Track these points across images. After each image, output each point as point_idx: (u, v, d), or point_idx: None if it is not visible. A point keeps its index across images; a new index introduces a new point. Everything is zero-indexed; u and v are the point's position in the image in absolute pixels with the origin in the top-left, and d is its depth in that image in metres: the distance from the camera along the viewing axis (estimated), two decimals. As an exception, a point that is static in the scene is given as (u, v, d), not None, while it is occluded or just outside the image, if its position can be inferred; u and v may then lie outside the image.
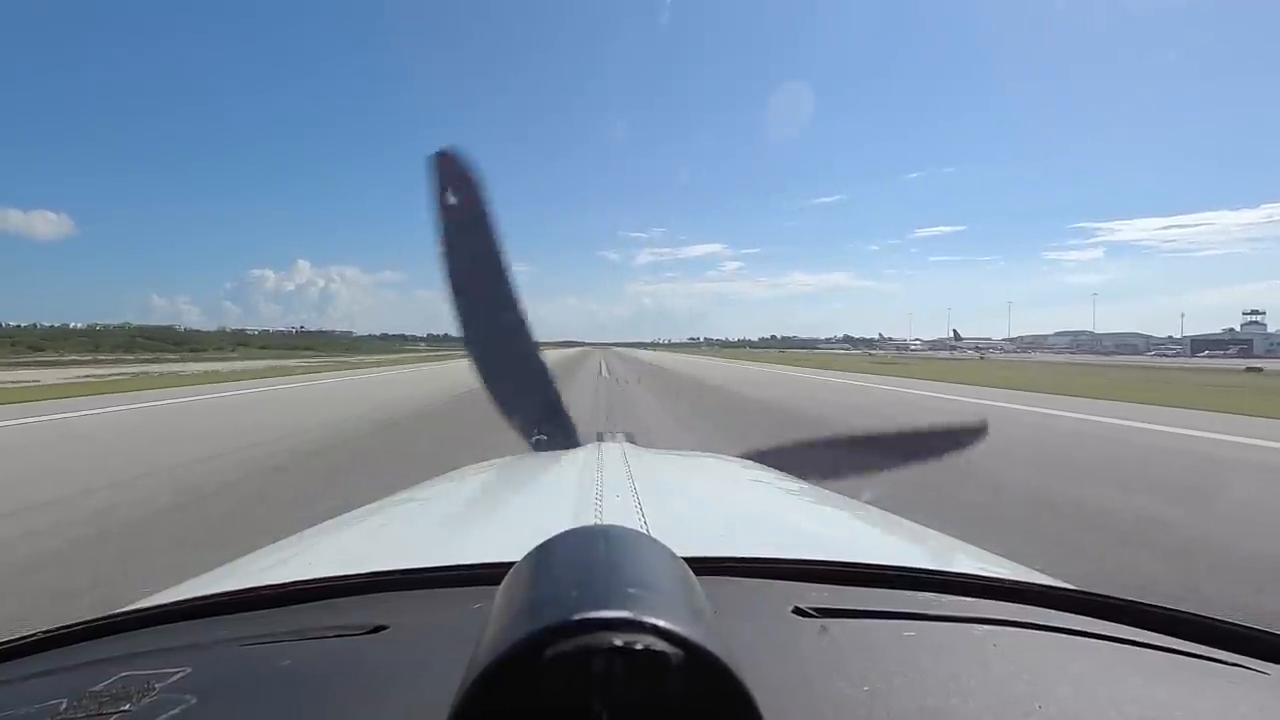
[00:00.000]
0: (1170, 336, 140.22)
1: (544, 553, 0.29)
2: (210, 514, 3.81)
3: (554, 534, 0.31)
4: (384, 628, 0.46)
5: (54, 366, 26.15)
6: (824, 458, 1.58)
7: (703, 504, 0.99)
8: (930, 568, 0.60)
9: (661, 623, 0.22)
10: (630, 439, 1.45)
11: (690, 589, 0.27)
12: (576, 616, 0.22)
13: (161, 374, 19.65)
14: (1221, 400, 10.81)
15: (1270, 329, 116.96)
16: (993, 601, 0.53)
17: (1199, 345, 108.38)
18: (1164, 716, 0.36)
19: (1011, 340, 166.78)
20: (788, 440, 1.62)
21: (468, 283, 1.35)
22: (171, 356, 40.60)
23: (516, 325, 1.38)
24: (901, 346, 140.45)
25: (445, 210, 1.30)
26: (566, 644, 0.21)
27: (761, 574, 0.56)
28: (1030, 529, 3.52)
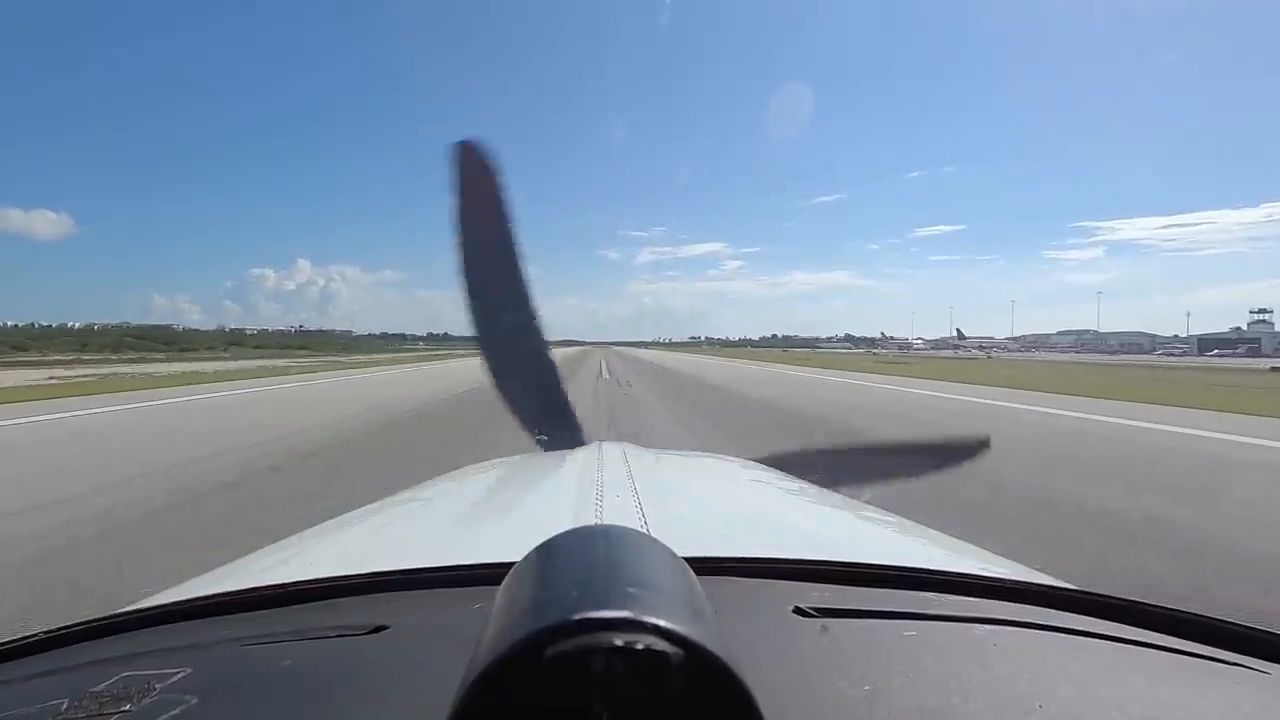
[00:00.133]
0: (1176, 335, 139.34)
1: (544, 553, 0.29)
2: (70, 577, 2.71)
3: (554, 534, 0.31)
4: (384, 628, 0.46)
5: (29, 367, 25.58)
6: (823, 466, 1.58)
7: (703, 504, 0.99)
8: (931, 567, 0.60)
9: (662, 622, 0.22)
10: None
11: (691, 589, 0.27)
12: (577, 616, 0.22)
13: (135, 375, 18.33)
14: (1258, 403, 9.94)
15: (1278, 327, 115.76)
16: (994, 601, 0.53)
17: (1206, 344, 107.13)
18: (1166, 716, 0.35)
19: (1015, 339, 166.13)
20: (792, 447, 1.61)
21: (482, 277, 1.35)
22: (158, 357, 39.49)
23: (528, 323, 1.38)
24: (904, 345, 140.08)
25: (464, 200, 1.29)
26: (567, 644, 0.21)
27: (762, 574, 0.56)
28: (1077, 546, 3.21)
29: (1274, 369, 26.83)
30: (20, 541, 3.14)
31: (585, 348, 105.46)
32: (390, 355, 50.70)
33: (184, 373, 19.97)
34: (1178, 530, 3.42)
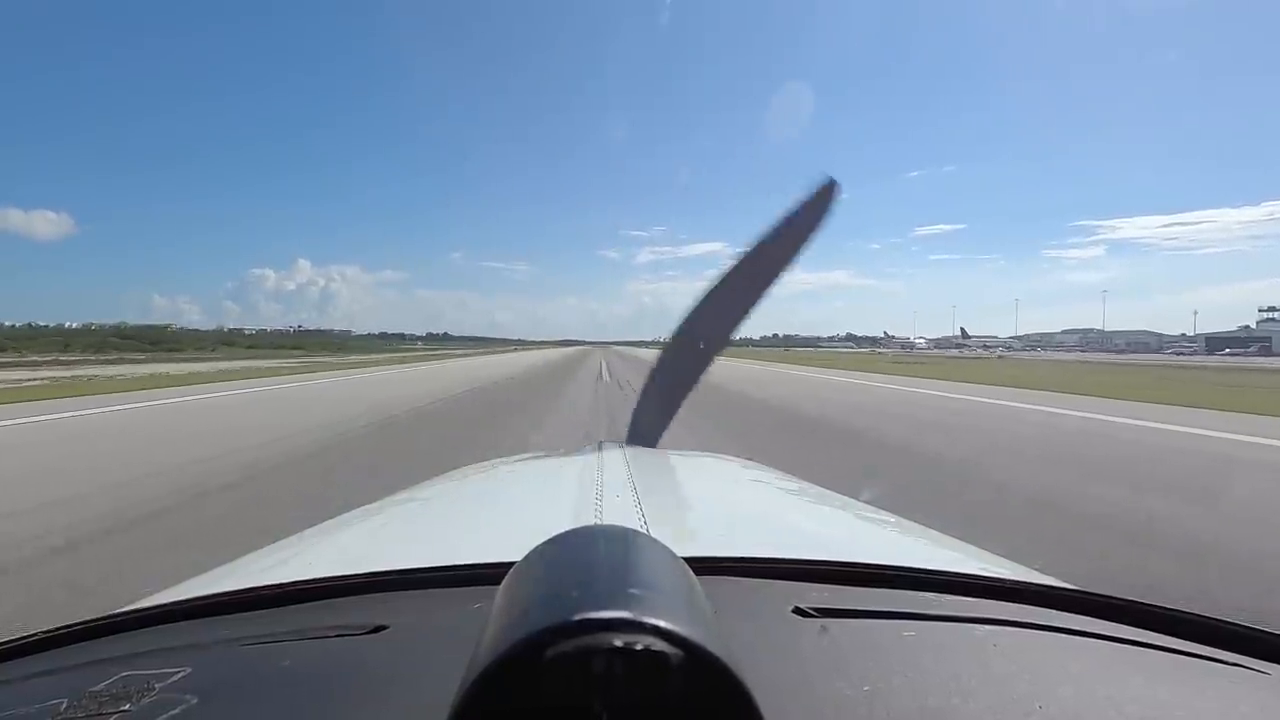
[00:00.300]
0: (1183, 334, 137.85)
1: (544, 553, 0.29)
2: None
3: (554, 534, 0.31)
4: (384, 628, 0.46)
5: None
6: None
7: (703, 504, 0.99)
8: (930, 568, 0.60)
9: (662, 623, 0.22)
10: None
11: (690, 589, 0.27)
12: (577, 617, 0.22)
13: (98, 379, 16.46)
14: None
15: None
16: (993, 601, 0.53)
17: (1215, 343, 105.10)
18: (1165, 716, 0.35)
19: (1019, 338, 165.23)
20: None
21: (735, 291, 1.37)
22: (139, 358, 37.70)
23: (714, 346, 1.44)
24: (906, 345, 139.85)
25: (792, 225, 1.30)
26: (567, 644, 0.21)
27: (761, 574, 0.56)
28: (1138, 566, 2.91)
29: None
30: None
31: (585, 347, 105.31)
32: (386, 355, 50.11)
33: (153, 375, 18.24)
34: (1224, 546, 3.11)
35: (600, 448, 1.26)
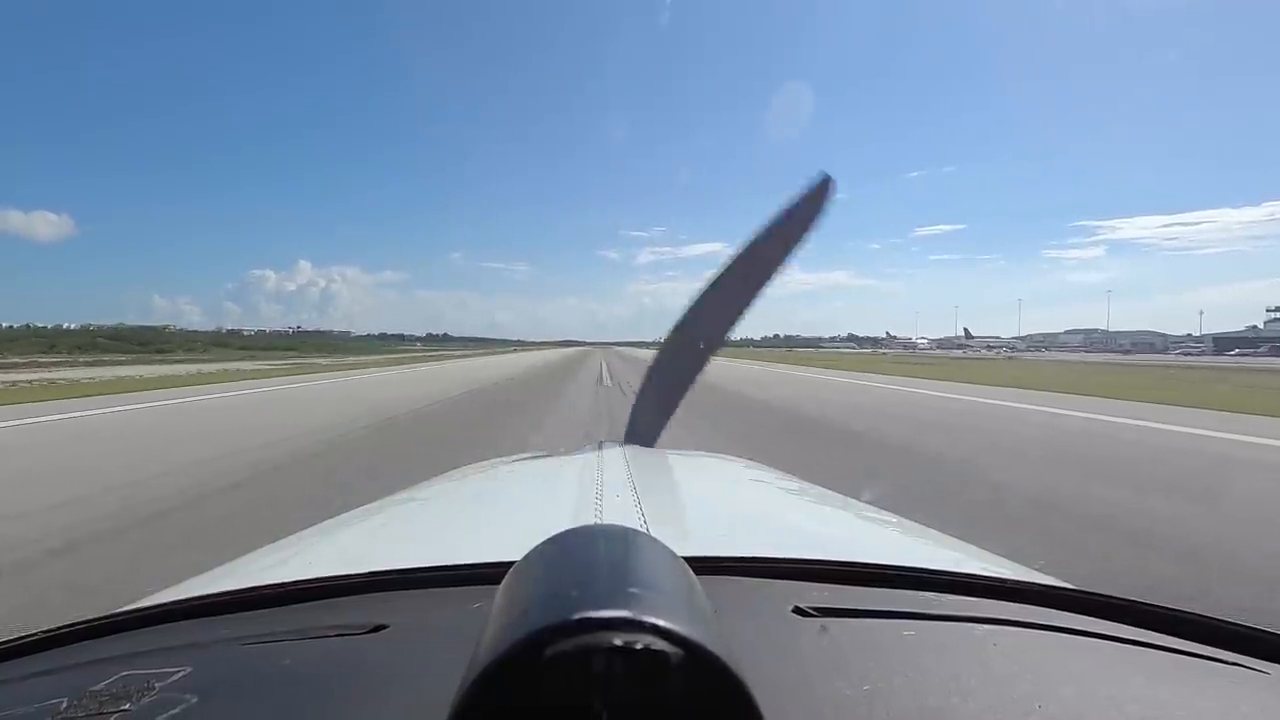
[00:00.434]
0: (1189, 335, 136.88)
1: (544, 552, 0.29)
2: None
3: (554, 534, 0.31)
4: (384, 627, 0.46)
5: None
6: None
7: (703, 504, 0.99)
8: (930, 567, 0.60)
9: (662, 622, 0.22)
10: None
11: (690, 589, 0.27)
12: (576, 616, 0.22)
13: (51, 383, 14.98)
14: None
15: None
16: (993, 601, 0.53)
17: (1224, 343, 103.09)
18: (1166, 716, 0.35)
19: (1022, 338, 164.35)
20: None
21: (730, 289, 1.36)
22: (123, 359, 36.76)
23: (711, 345, 1.43)
24: (908, 345, 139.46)
25: (788, 222, 1.30)
26: (566, 643, 0.21)
27: (761, 573, 0.56)
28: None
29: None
30: None
31: (585, 348, 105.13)
32: (382, 356, 49.53)
33: (121, 379, 16.74)
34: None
35: (600, 447, 1.26)
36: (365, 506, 1.00)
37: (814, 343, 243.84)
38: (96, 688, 0.37)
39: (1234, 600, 2.58)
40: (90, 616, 0.52)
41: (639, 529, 0.52)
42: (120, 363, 31.33)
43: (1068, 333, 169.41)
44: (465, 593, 0.53)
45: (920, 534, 0.85)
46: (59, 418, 8.30)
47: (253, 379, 17.18)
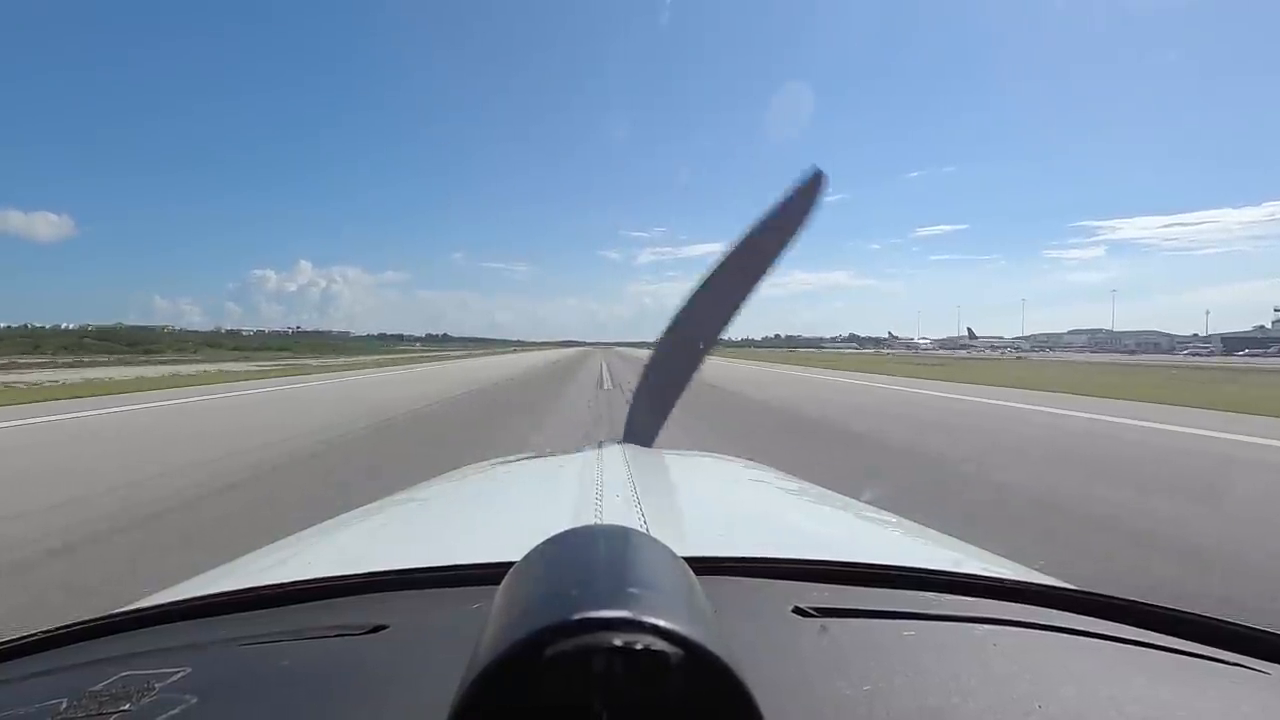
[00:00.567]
0: (1195, 335, 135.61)
1: (544, 552, 0.29)
2: None
3: (554, 534, 0.31)
4: (384, 628, 0.46)
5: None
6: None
7: (703, 504, 0.99)
8: (930, 567, 0.60)
9: (662, 622, 0.22)
10: None
11: (690, 589, 0.27)
12: (576, 616, 0.22)
13: (7, 387, 13.64)
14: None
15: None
16: (993, 601, 0.53)
17: (1233, 344, 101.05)
18: (1166, 716, 0.35)
19: (1025, 338, 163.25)
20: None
21: (724, 286, 1.36)
22: (105, 360, 34.78)
23: (706, 342, 1.42)
24: (910, 345, 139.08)
25: (780, 216, 1.29)
26: (566, 644, 0.21)
27: (761, 574, 0.56)
28: None
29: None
30: None
31: (585, 348, 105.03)
32: (378, 357, 48.18)
33: (89, 381, 15.54)
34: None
35: (600, 447, 1.26)
36: (365, 507, 1.00)
37: (815, 343, 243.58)
38: (96, 688, 0.37)
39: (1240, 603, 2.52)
40: (89, 617, 0.52)
41: (639, 529, 0.51)
42: (102, 364, 30.21)
43: (1071, 333, 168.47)
44: (465, 593, 0.53)
45: (920, 534, 0.85)
46: (37, 421, 7.70)
47: (229, 381, 16.03)
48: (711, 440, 6.50)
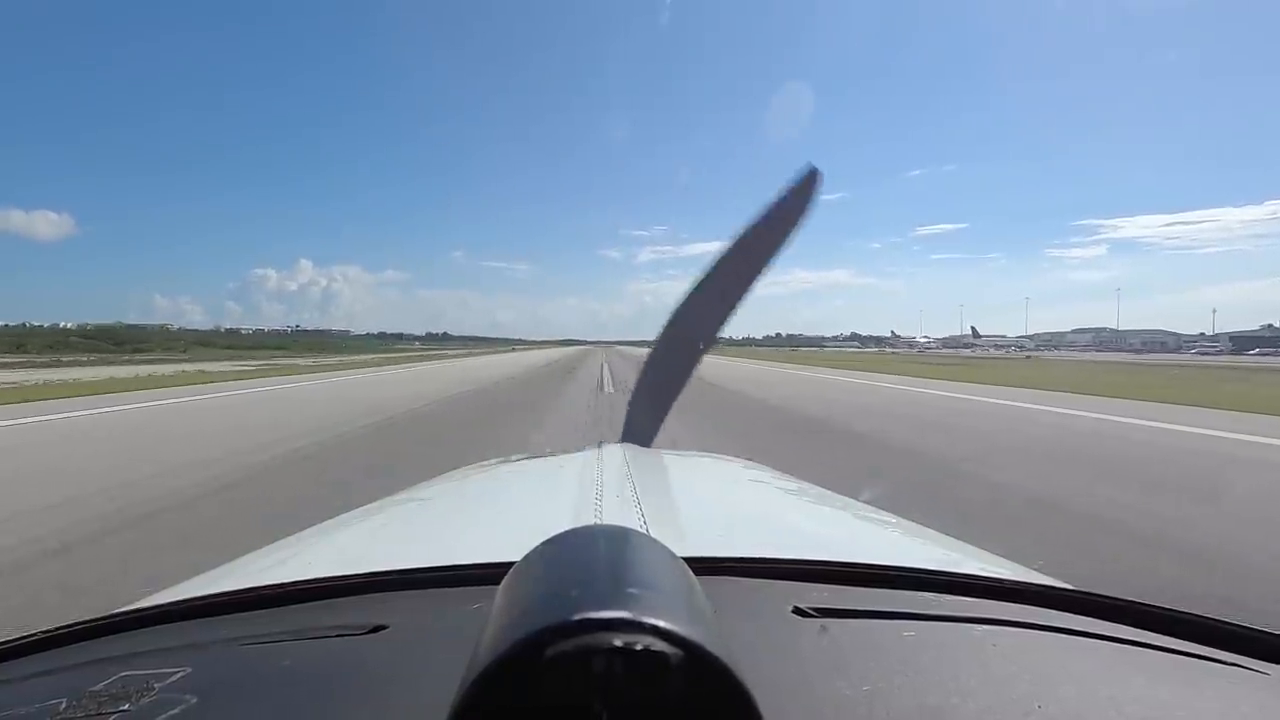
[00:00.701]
0: (1203, 334, 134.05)
1: (544, 553, 0.29)
2: None
3: (554, 534, 0.31)
4: (384, 628, 0.46)
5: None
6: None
7: (703, 504, 0.99)
8: (930, 568, 0.60)
9: (661, 623, 0.22)
10: None
11: (690, 589, 0.27)
12: (576, 616, 0.22)
13: None
14: None
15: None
16: (993, 601, 0.53)
17: (1243, 343, 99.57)
18: (1165, 716, 0.35)
19: (1029, 337, 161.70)
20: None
21: (722, 282, 1.35)
22: (86, 359, 34.00)
23: (705, 339, 1.42)
24: (911, 344, 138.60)
25: (775, 214, 1.29)
26: (566, 644, 0.21)
27: (761, 574, 0.56)
28: None
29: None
30: None
31: (586, 347, 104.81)
32: (374, 356, 47.24)
33: (46, 384, 14.44)
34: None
35: (600, 447, 1.26)
36: (365, 507, 1.00)
37: (816, 341, 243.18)
38: (96, 688, 0.37)
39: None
40: (89, 617, 0.52)
41: (639, 529, 0.52)
42: (81, 364, 29.08)
43: (1075, 331, 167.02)
44: (465, 593, 0.53)
45: (920, 534, 0.85)
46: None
47: (206, 382, 14.79)
48: (713, 439, 6.44)
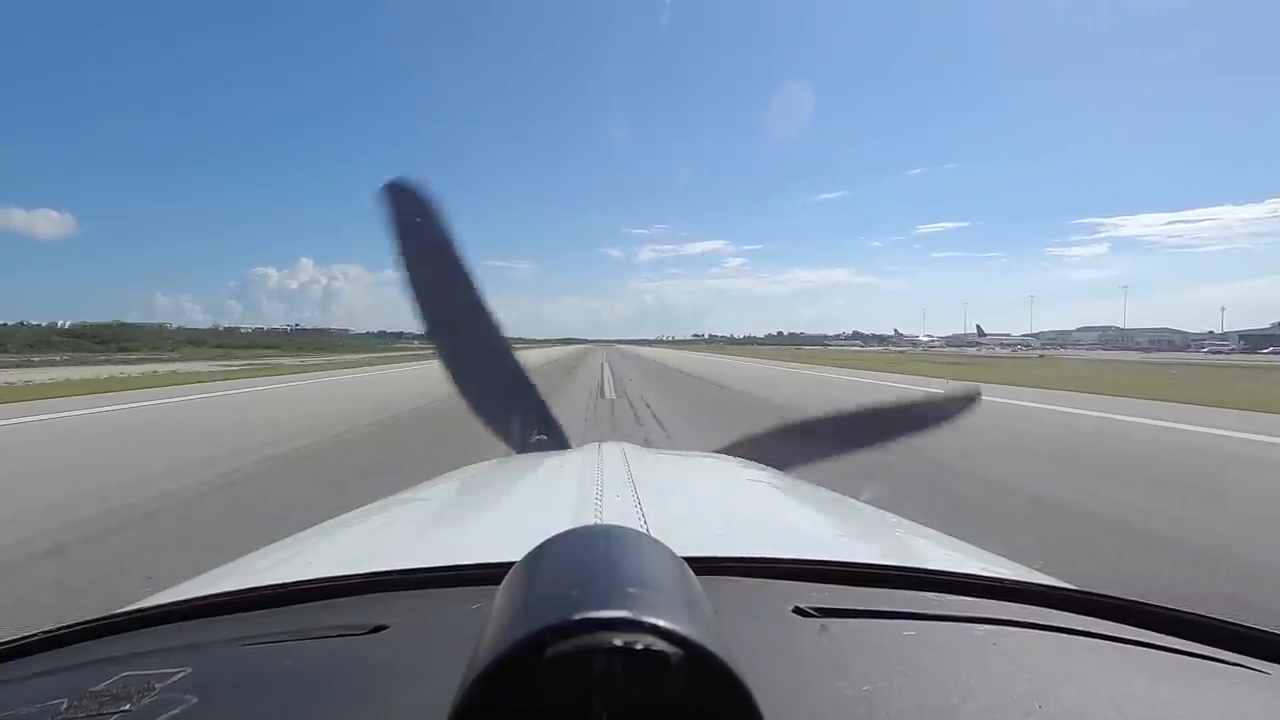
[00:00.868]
0: (1211, 332, 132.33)
1: (544, 552, 0.29)
2: None
3: (554, 534, 0.31)
4: (384, 628, 0.46)
5: None
6: (804, 442, 1.49)
7: (703, 504, 0.99)
8: (930, 567, 0.60)
9: (661, 622, 0.22)
10: None
11: (690, 589, 0.27)
12: (576, 616, 0.22)
13: None
14: None
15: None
16: (993, 601, 0.53)
17: (1255, 340, 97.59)
18: (1166, 716, 0.35)
19: (1034, 336, 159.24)
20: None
21: (434, 297, 1.37)
22: (59, 359, 33.02)
23: (487, 328, 1.41)
24: (914, 342, 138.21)
25: (402, 236, 1.31)
26: (566, 644, 0.21)
27: (761, 574, 0.56)
28: None
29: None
30: None
31: (586, 346, 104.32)
32: (367, 355, 47.10)
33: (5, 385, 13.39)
34: None
35: (600, 447, 1.26)
36: (365, 507, 1.00)
37: (818, 340, 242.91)
38: (97, 688, 0.37)
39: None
40: (90, 617, 0.53)
41: (639, 529, 0.51)
42: (54, 364, 27.65)
43: (1080, 330, 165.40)
44: (465, 593, 0.53)
45: (920, 534, 0.85)
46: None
47: (174, 385, 13.73)
48: (714, 440, 6.23)
